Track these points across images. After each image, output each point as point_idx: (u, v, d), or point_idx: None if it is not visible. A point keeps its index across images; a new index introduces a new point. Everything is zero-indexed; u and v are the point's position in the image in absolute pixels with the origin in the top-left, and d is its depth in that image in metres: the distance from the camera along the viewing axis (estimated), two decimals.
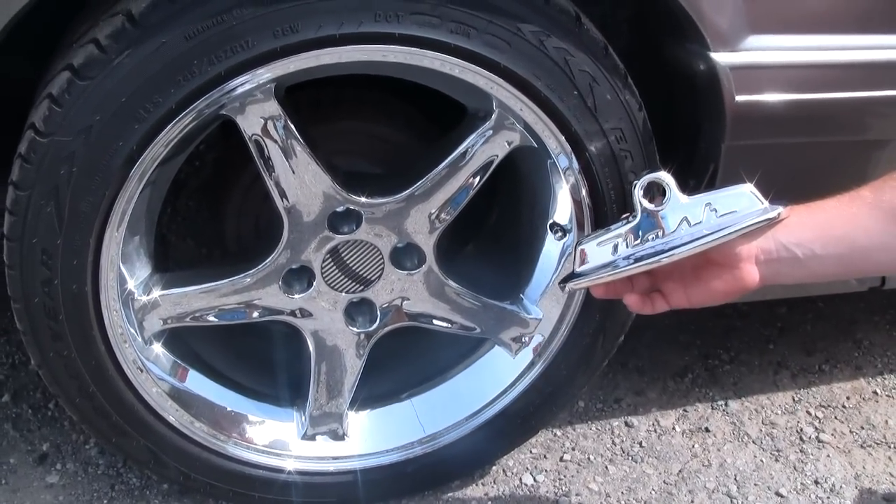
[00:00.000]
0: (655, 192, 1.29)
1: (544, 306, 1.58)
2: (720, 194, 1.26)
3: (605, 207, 1.47)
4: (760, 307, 2.26)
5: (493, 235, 1.80)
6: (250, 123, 1.34)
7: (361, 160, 1.66)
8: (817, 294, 2.09)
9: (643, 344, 2.14)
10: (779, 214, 1.22)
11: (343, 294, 1.51)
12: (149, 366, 1.48)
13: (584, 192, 1.46)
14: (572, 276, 1.33)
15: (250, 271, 1.46)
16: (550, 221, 1.54)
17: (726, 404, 2.00)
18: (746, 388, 2.05)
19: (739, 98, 1.40)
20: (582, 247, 1.32)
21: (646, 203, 1.28)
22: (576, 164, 1.44)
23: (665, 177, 1.28)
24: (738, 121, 1.41)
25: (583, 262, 1.31)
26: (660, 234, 1.27)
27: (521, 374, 1.61)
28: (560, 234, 1.54)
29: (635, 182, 1.29)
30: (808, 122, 1.46)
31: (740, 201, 1.24)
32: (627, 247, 1.28)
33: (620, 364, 2.08)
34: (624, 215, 1.32)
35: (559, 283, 1.40)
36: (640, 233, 1.28)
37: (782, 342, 2.21)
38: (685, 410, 1.98)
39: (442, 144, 1.51)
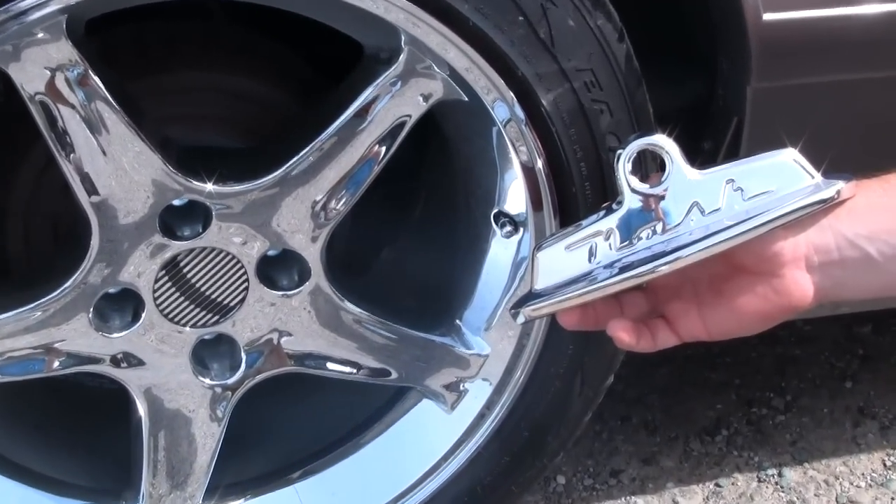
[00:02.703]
0: (650, 165, 1.27)
1: (492, 338, 1.56)
2: (748, 165, 1.20)
3: (572, 187, 1.43)
4: (831, 326, 2.25)
5: (419, 236, 1.79)
6: (29, 76, 1.28)
7: (210, 129, 1.63)
8: None
9: (653, 388, 2.13)
10: (838, 193, 1.16)
11: (188, 329, 1.46)
12: None
13: (540, 166, 1.43)
14: (529, 296, 1.27)
15: (44, 299, 1.40)
16: (496, 211, 1.52)
17: (780, 474, 1.98)
18: (812, 449, 2.03)
19: (769, 17, 1.37)
20: (542, 252, 1.26)
21: (636, 183, 1.21)
22: (527, 125, 1.41)
23: (663, 142, 1.21)
24: (768, 51, 1.39)
25: (544, 274, 1.26)
26: (658, 228, 1.21)
27: (461, 439, 1.59)
28: (510, 228, 1.52)
29: (619, 151, 1.22)
30: (879, 48, 1.44)
31: (779, 175, 1.18)
32: (611, 249, 1.22)
33: (620, 418, 2.07)
34: (605, 204, 1.26)
35: (510, 310, 1.39)
36: (630, 228, 1.22)
37: (865, 378, 2.18)
38: (718, 486, 1.96)
39: (328, 102, 1.48)
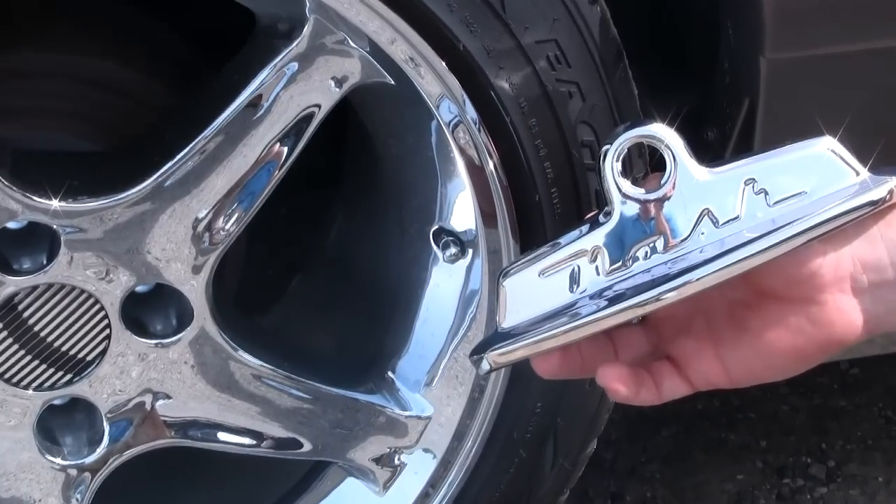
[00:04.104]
0: (640, 164, 1.30)
1: (435, 395, 1.56)
2: (773, 160, 1.16)
3: (534, 195, 1.43)
4: (884, 369, 2.29)
5: (337, 262, 1.81)
6: None
7: (56, 127, 1.62)
8: None
9: (653, 455, 2.14)
10: (891, 194, 1.12)
11: (31, 392, 1.44)
12: None
13: (492, 168, 1.42)
14: (495, 337, 1.23)
15: None
16: (436, 227, 1.53)
17: None
18: None
19: None
20: (510, 279, 1.24)
21: (628, 187, 1.17)
22: (473, 115, 1.41)
23: (663, 132, 1.17)
24: (785, 14, 1.39)
25: (513, 307, 1.24)
26: (659, 244, 1.17)
27: None
28: (455, 250, 1.52)
29: (605, 146, 1.18)
30: None
31: (813, 171, 1.15)
32: (598, 273, 1.19)
33: (610, 496, 2.07)
34: (588, 216, 1.23)
35: (470, 357, 1.32)
36: (622, 245, 1.19)
37: None
38: None
39: (212, 89, 1.49)
